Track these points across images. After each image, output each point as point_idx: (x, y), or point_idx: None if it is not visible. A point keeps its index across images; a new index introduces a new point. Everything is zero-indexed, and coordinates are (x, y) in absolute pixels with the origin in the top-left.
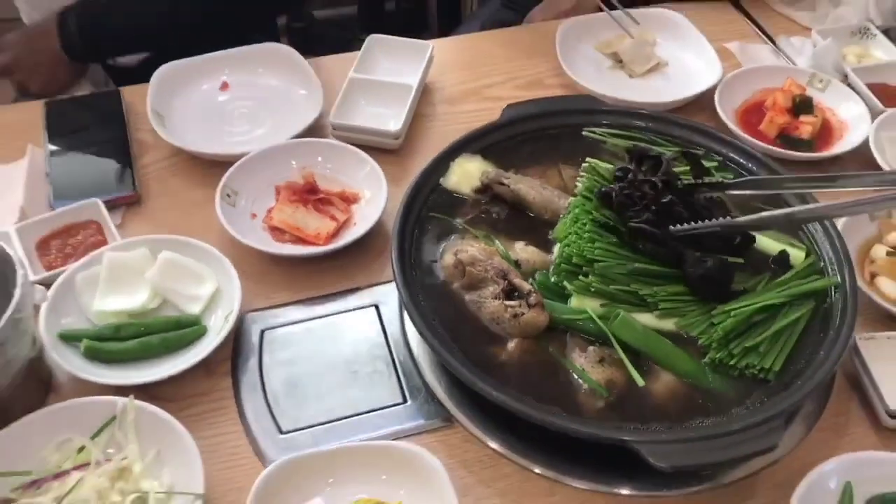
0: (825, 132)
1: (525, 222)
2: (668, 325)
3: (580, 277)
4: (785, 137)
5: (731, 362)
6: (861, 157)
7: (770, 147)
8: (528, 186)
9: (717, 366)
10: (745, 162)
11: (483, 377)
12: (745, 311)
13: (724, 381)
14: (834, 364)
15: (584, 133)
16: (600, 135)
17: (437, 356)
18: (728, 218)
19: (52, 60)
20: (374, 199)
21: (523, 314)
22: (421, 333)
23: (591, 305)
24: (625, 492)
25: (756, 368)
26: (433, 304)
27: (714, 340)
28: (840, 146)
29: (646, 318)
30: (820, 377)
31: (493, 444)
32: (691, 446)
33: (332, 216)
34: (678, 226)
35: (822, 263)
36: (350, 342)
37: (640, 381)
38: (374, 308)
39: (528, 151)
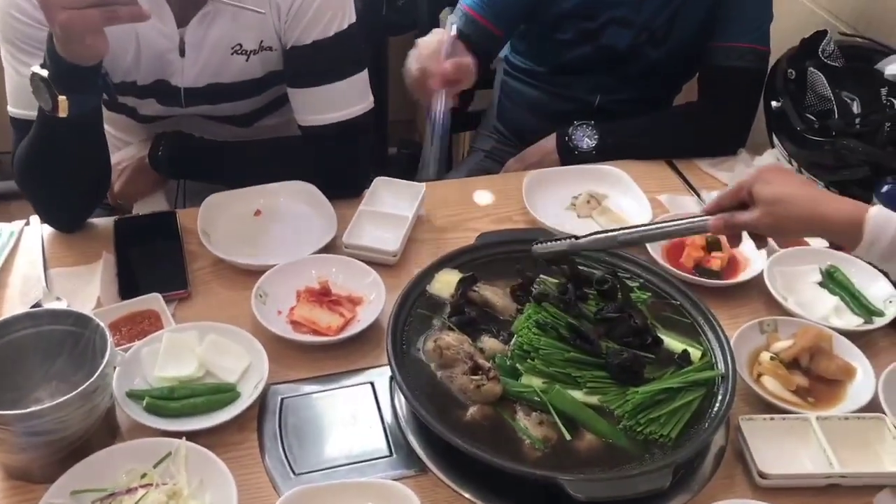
0: (731, 265)
1: (489, 321)
2: (593, 399)
3: (529, 361)
4: (699, 268)
5: (639, 429)
6: (758, 286)
7: (687, 275)
8: (493, 293)
9: (628, 431)
10: (662, 285)
11: (452, 432)
12: (650, 391)
13: (633, 442)
14: (713, 431)
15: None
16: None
17: (418, 415)
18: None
19: (140, 171)
20: (374, 301)
21: (484, 385)
22: (406, 399)
23: (536, 382)
24: None
25: (657, 434)
26: (416, 379)
27: (626, 412)
28: (742, 276)
29: (577, 394)
30: (702, 440)
31: (459, 489)
32: (602, 484)
33: (341, 313)
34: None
35: (713, 360)
36: (350, 409)
37: (568, 436)
38: (370, 385)
39: (495, 268)
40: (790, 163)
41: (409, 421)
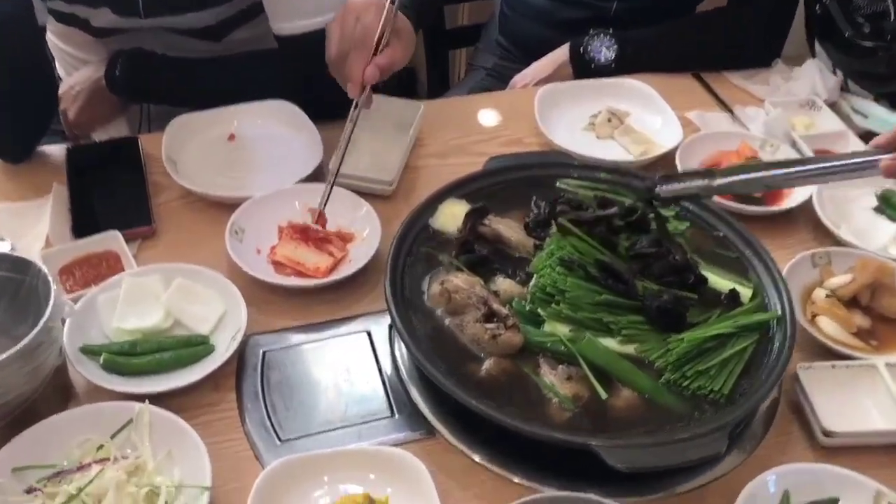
0: (775, 190)
1: (503, 259)
2: (629, 349)
3: (552, 305)
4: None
5: (685, 383)
6: (805, 213)
7: (725, 202)
8: (506, 227)
9: (671, 386)
10: (702, 213)
11: (464, 390)
12: (696, 338)
13: (678, 399)
14: (773, 385)
15: (557, 185)
16: (571, 186)
17: (423, 369)
18: (681, 253)
19: (97, 95)
20: (368, 238)
21: (500, 335)
22: (409, 349)
23: (562, 330)
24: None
25: (707, 390)
26: (419, 326)
27: (669, 363)
28: (787, 202)
29: (610, 343)
30: (761, 395)
31: (472, 455)
32: (645, 451)
33: (330, 252)
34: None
35: (766, 301)
36: (343, 363)
37: (604, 394)
38: (366, 334)
39: (507, 197)
40: (834, 73)
41: (413, 375)
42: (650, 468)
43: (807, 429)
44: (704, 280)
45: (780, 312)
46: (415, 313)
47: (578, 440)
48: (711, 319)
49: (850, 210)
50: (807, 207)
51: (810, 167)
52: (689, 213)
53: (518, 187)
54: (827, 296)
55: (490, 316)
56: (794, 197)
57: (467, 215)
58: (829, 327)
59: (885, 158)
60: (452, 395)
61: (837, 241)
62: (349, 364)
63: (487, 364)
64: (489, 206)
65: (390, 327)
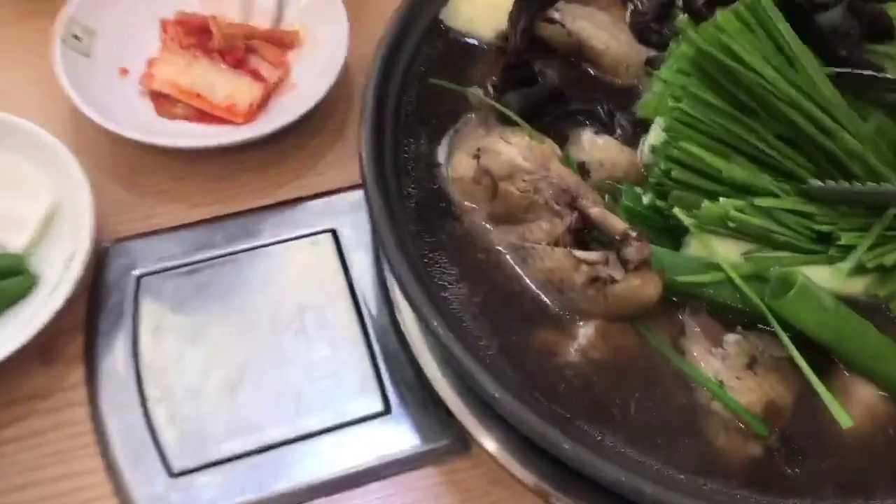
0: None
1: (595, 92)
2: (857, 287)
3: (707, 199)
4: None
5: None
6: None
7: None
8: (596, 26)
9: None
10: None
11: (532, 399)
12: None
13: None
14: None
15: None
16: None
17: (446, 351)
18: None
19: None
20: (327, 42)
21: (616, 281)
22: (412, 303)
23: (728, 253)
24: None
25: None
26: (435, 244)
27: None
28: None
29: (818, 275)
30: None
31: (543, 484)
32: None
33: (257, 72)
34: None
35: None
36: (291, 299)
37: (848, 422)
38: (329, 235)
39: None
40: None
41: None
42: None
43: None
44: None
45: None
46: (423, 215)
47: None
48: None
49: None
50: None
51: None
52: None
53: None
54: None
55: (579, 232)
56: None
57: (517, 1)
58: None
59: None
60: (510, 420)
61: None
62: (300, 299)
63: (582, 334)
64: None
65: (374, 235)
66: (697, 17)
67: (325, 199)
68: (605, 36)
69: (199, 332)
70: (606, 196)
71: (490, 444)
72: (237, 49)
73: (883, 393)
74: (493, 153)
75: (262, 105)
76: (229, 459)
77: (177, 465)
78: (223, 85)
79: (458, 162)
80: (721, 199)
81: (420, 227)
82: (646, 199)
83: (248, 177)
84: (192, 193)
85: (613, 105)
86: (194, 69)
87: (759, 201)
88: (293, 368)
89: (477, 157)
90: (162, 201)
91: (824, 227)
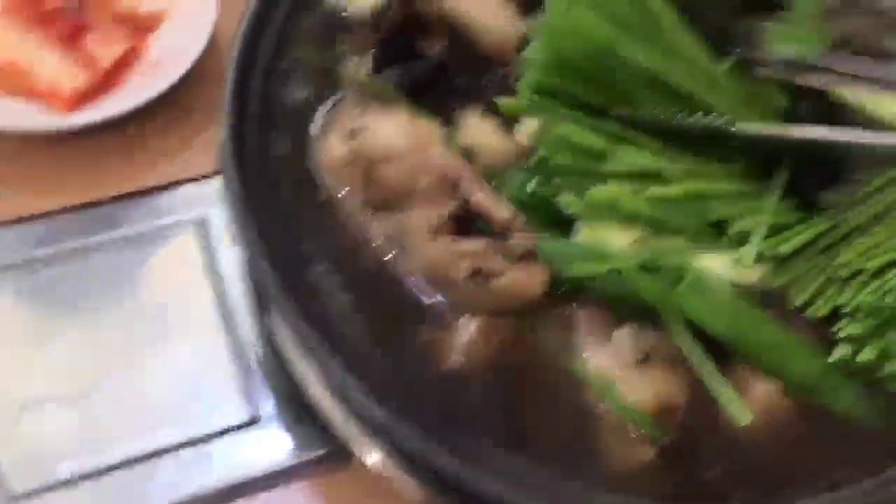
0: None
1: (475, 68)
2: (752, 276)
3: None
4: None
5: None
6: None
7: None
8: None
9: (855, 369)
10: None
11: (412, 408)
12: None
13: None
14: None
15: None
16: None
17: (316, 360)
18: None
19: None
20: (191, 17)
21: (500, 273)
22: (278, 306)
23: (619, 240)
24: None
25: None
26: (306, 236)
27: (858, 308)
28: None
29: (714, 263)
30: None
31: (427, 496)
32: None
33: (89, 56)
34: None
35: None
36: (150, 298)
37: (746, 418)
38: (197, 226)
39: None
40: None
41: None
42: None
43: None
44: None
45: None
46: (290, 202)
47: None
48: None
49: None
50: None
51: None
52: None
53: None
54: None
55: (463, 221)
56: None
57: None
58: None
59: None
60: (395, 440)
61: None
62: (163, 299)
63: (463, 332)
64: None
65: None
66: None
67: (194, 186)
68: (485, 12)
69: (43, 338)
70: (493, 182)
71: (371, 455)
72: (66, 26)
73: (782, 388)
74: (368, 134)
75: (101, 90)
76: (78, 479)
77: (17, 488)
78: (48, 66)
79: (330, 144)
80: (609, 182)
81: (288, 218)
82: (530, 186)
83: (107, 161)
84: (35, 180)
85: (501, 86)
86: (25, 44)
87: (650, 192)
88: (151, 376)
89: (350, 138)
90: None
91: (719, 214)
